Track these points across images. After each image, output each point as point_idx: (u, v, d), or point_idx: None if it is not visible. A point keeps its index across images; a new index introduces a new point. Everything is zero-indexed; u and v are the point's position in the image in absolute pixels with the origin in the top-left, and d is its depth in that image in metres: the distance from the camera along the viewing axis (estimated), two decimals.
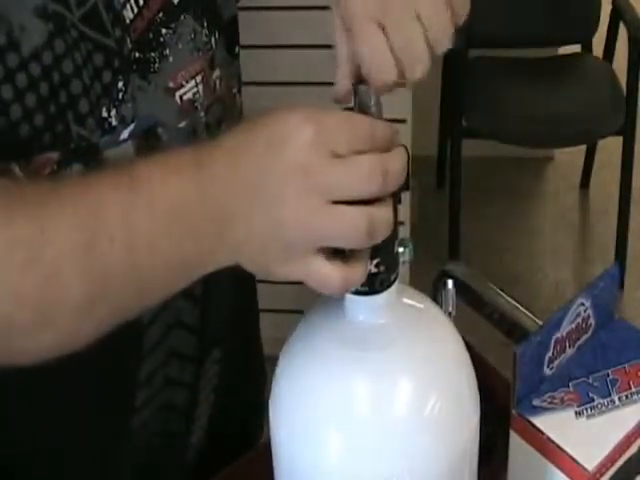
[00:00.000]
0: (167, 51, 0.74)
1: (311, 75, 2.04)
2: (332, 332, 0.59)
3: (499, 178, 2.93)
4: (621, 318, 0.76)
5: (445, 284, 0.97)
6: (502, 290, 0.99)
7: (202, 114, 0.78)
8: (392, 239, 0.57)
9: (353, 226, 0.54)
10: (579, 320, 0.71)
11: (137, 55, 0.72)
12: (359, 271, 0.56)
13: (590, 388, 0.70)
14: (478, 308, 0.98)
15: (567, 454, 0.66)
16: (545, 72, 2.61)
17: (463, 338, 0.62)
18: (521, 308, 0.96)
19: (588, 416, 0.68)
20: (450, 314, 0.95)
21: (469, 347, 0.63)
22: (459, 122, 2.51)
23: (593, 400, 0.69)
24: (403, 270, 0.59)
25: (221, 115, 0.82)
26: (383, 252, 0.57)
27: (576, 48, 2.76)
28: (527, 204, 2.94)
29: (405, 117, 2.09)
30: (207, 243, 0.57)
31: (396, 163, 0.55)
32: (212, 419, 0.93)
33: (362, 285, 0.57)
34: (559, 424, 0.67)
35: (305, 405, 0.59)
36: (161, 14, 0.73)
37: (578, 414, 0.68)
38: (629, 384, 0.70)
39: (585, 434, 0.67)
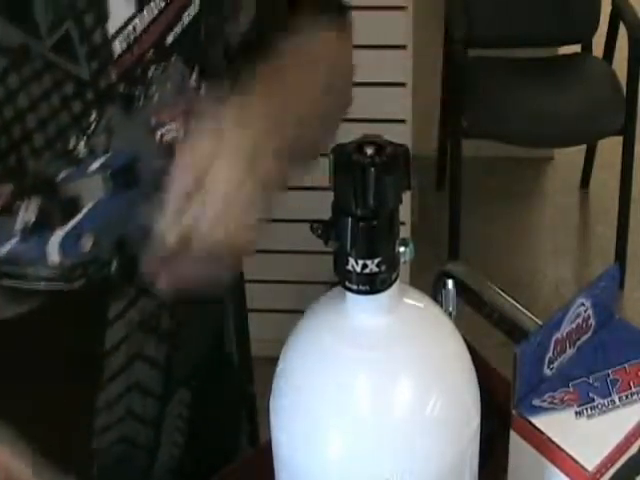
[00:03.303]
0: (153, 89, 0.73)
1: None
2: (332, 331, 0.59)
3: (499, 178, 2.93)
4: (621, 318, 0.76)
5: (445, 284, 0.97)
6: (502, 290, 0.99)
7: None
8: (393, 239, 0.57)
9: None
10: (579, 320, 0.71)
11: (122, 89, 0.71)
12: None
13: (590, 388, 0.70)
14: (478, 308, 0.98)
15: (567, 454, 0.66)
16: (545, 72, 2.62)
17: (463, 338, 0.62)
18: (521, 308, 0.96)
19: (588, 416, 0.68)
20: (450, 314, 0.95)
21: (469, 347, 0.63)
22: (459, 122, 2.51)
23: (593, 400, 0.69)
24: (403, 270, 0.59)
25: None
26: (384, 251, 0.57)
27: (576, 48, 2.76)
28: (527, 204, 2.94)
29: (405, 117, 2.09)
30: None
31: None
32: (179, 461, 0.91)
33: (363, 284, 0.57)
34: (559, 424, 0.67)
35: (305, 405, 0.59)
36: (152, 52, 0.72)
37: (578, 414, 0.68)
38: (629, 384, 0.70)
39: (585, 434, 0.67)
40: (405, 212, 2.09)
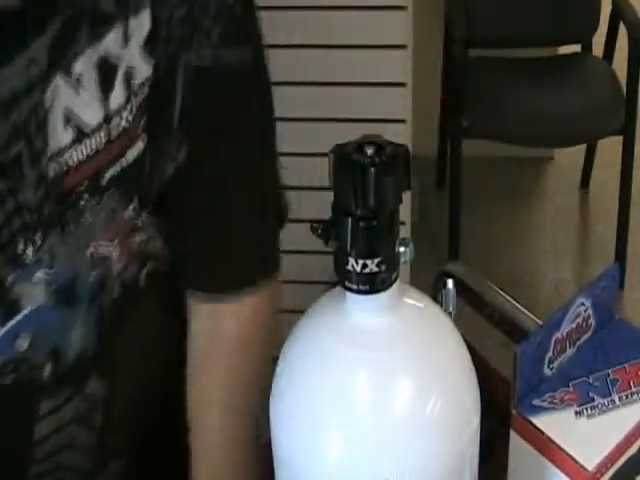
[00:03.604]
0: (85, 216, 0.73)
1: (308, 75, 2.05)
2: (332, 331, 0.59)
3: (499, 178, 2.93)
4: (621, 318, 0.76)
5: (445, 284, 0.97)
6: (502, 290, 0.99)
7: (115, 269, 0.78)
8: (393, 239, 0.57)
9: None
10: (579, 320, 0.71)
11: (56, 212, 0.71)
12: None
13: (590, 388, 0.70)
14: (478, 308, 0.98)
15: (567, 454, 0.66)
16: (545, 72, 2.62)
17: (463, 338, 0.62)
18: (521, 308, 0.96)
19: (588, 416, 0.68)
20: (450, 314, 0.95)
21: (469, 347, 0.63)
22: (459, 122, 2.51)
23: (593, 400, 0.69)
24: (403, 270, 0.59)
25: (140, 265, 0.82)
26: (384, 251, 0.57)
27: (576, 48, 2.76)
28: (527, 204, 2.94)
29: (405, 117, 2.09)
30: None
31: None
32: None
33: (363, 284, 0.57)
34: (559, 424, 0.67)
35: (305, 404, 0.59)
36: (85, 184, 0.71)
37: (578, 414, 0.68)
38: (629, 384, 0.70)
39: (585, 434, 0.67)
40: (405, 212, 2.09)
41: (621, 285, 2.45)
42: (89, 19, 0.67)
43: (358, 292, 0.58)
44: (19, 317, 0.73)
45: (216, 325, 0.83)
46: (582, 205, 2.93)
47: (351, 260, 0.57)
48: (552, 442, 0.66)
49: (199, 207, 0.80)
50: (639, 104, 2.47)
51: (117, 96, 0.70)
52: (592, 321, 0.73)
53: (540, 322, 0.90)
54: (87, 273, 0.76)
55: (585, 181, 2.93)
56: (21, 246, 0.70)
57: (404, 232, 0.60)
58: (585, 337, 0.73)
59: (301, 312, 0.63)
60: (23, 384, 0.77)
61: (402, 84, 2.06)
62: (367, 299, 0.58)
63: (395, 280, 0.58)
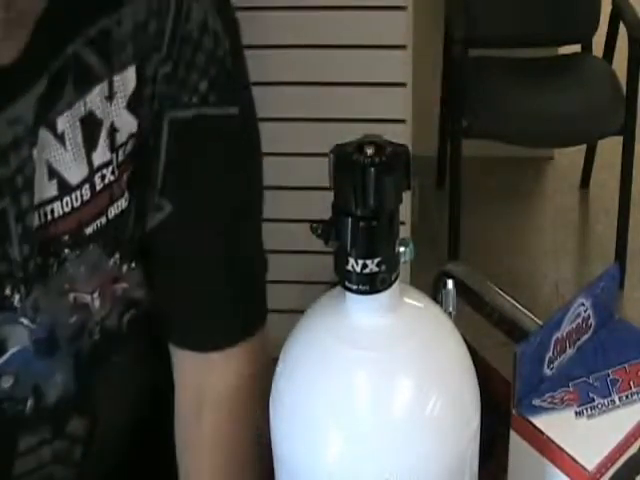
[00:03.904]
0: (66, 266, 0.73)
1: (308, 75, 2.04)
2: (332, 331, 0.59)
3: (499, 178, 2.93)
4: (621, 318, 0.76)
5: (445, 284, 0.96)
6: (502, 290, 0.99)
7: (96, 315, 0.78)
8: (393, 239, 0.57)
9: None
10: (579, 320, 0.71)
11: (39, 261, 0.71)
12: None
13: (590, 388, 0.70)
14: (478, 308, 0.98)
15: (567, 454, 0.66)
16: (545, 72, 2.62)
17: (463, 338, 0.62)
18: (521, 308, 0.96)
19: (588, 416, 0.68)
20: (450, 314, 0.95)
21: (469, 347, 0.62)
22: (459, 122, 2.51)
23: (593, 400, 0.69)
24: (403, 270, 0.59)
25: (123, 311, 0.82)
26: (384, 251, 0.57)
27: (576, 48, 2.76)
28: (527, 204, 2.94)
29: (405, 117, 2.09)
30: None
31: None
32: None
33: (363, 284, 0.57)
34: (559, 424, 0.67)
35: (305, 405, 0.59)
36: (67, 237, 0.72)
37: (578, 414, 0.68)
38: (629, 384, 0.70)
39: (585, 434, 0.67)
40: (405, 212, 2.09)
41: (621, 285, 2.45)
42: (74, 75, 0.67)
43: (358, 292, 0.58)
44: (5, 357, 0.74)
45: (202, 380, 0.82)
46: (582, 205, 2.93)
47: (351, 260, 0.57)
48: (552, 442, 0.66)
49: (182, 261, 0.79)
50: (639, 104, 2.47)
51: (101, 152, 0.71)
52: (592, 321, 0.73)
53: (540, 322, 0.90)
54: (67, 318, 0.76)
55: (585, 181, 2.93)
56: (8, 291, 0.71)
57: (404, 232, 0.60)
58: (585, 337, 0.73)
59: (301, 312, 0.63)
60: (5, 419, 0.77)
61: (402, 84, 2.06)
62: (367, 299, 0.58)
63: (395, 280, 0.58)
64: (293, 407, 0.60)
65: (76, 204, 0.71)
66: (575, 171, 2.93)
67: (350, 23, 1.98)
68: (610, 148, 2.64)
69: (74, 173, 0.70)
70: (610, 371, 0.71)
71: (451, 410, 0.59)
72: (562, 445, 0.66)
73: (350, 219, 0.56)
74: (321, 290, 0.62)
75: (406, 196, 0.57)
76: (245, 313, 0.82)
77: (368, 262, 0.57)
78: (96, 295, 0.77)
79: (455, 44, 2.48)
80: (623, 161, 2.52)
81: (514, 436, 0.69)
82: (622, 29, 2.53)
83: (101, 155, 0.71)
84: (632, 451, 0.68)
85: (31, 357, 0.76)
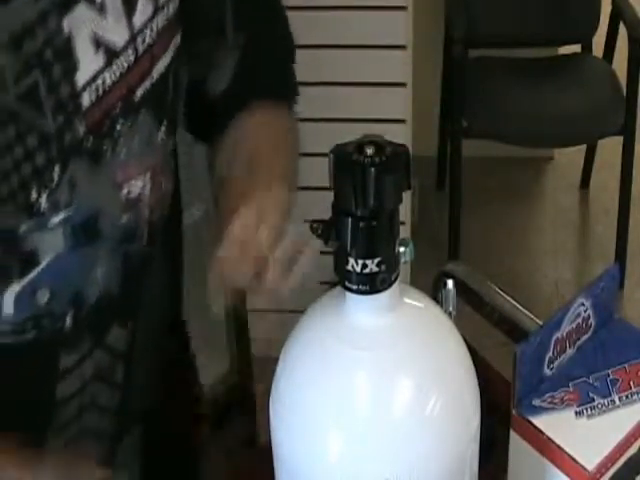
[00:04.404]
0: (121, 143, 0.73)
1: (308, 75, 2.04)
2: (332, 331, 0.59)
3: (499, 178, 2.93)
4: (621, 318, 0.76)
5: (445, 284, 0.97)
6: (502, 290, 0.99)
7: (146, 211, 0.78)
8: (393, 239, 0.57)
9: None
10: (579, 320, 0.71)
11: (89, 143, 0.71)
12: None
13: (590, 388, 0.70)
14: (478, 308, 0.98)
15: (567, 454, 0.66)
16: (545, 72, 2.61)
17: (463, 338, 0.62)
18: (521, 308, 0.96)
19: (588, 416, 0.68)
20: (450, 314, 0.95)
21: (469, 347, 0.63)
22: (459, 122, 2.51)
23: (593, 400, 0.69)
24: (403, 270, 0.59)
25: (166, 212, 0.82)
26: (384, 251, 0.57)
27: (576, 48, 2.76)
28: (527, 204, 2.94)
29: (405, 117, 2.09)
30: None
31: None
32: None
33: (363, 284, 0.57)
34: (559, 424, 0.67)
35: (305, 405, 0.59)
36: (120, 106, 0.72)
37: (578, 414, 0.68)
38: (629, 384, 0.70)
39: (585, 434, 0.67)
40: (405, 212, 2.09)
41: (621, 285, 2.45)
42: None
43: (358, 292, 0.58)
44: (37, 270, 0.72)
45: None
46: (582, 205, 2.93)
47: (351, 260, 0.57)
48: (552, 442, 0.66)
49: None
50: (639, 104, 2.47)
51: (142, 10, 0.72)
52: (592, 321, 0.73)
53: (540, 322, 0.90)
54: (116, 213, 0.75)
55: (585, 181, 2.93)
56: (34, 194, 0.69)
57: (404, 232, 0.60)
58: (585, 337, 0.73)
59: (301, 312, 0.63)
60: (44, 339, 0.76)
61: (402, 84, 2.06)
62: (367, 299, 0.58)
63: (395, 280, 0.58)
64: (293, 407, 0.60)
65: (123, 69, 0.71)
66: (575, 171, 2.93)
67: (350, 23, 1.98)
68: (610, 148, 2.64)
69: (117, 38, 0.70)
70: (610, 371, 0.71)
71: (451, 410, 0.59)
72: (562, 445, 0.66)
73: (350, 219, 0.56)
74: (321, 290, 0.62)
75: (406, 196, 0.57)
76: (285, 76, 0.89)
77: (368, 262, 0.57)
78: (147, 180, 0.77)
79: (455, 44, 2.48)
80: (623, 161, 2.51)
81: (514, 436, 0.69)
82: (622, 29, 2.53)
83: (141, 15, 0.72)
84: (632, 451, 0.68)
85: (68, 261, 0.74)
